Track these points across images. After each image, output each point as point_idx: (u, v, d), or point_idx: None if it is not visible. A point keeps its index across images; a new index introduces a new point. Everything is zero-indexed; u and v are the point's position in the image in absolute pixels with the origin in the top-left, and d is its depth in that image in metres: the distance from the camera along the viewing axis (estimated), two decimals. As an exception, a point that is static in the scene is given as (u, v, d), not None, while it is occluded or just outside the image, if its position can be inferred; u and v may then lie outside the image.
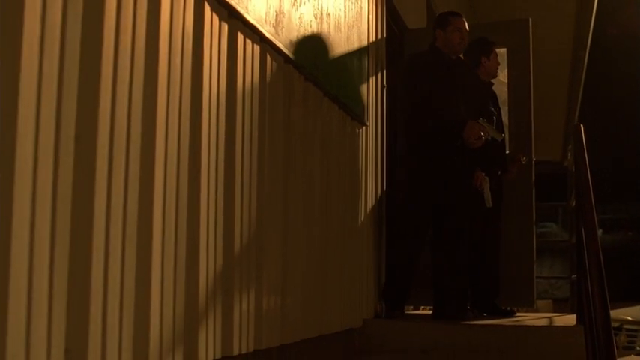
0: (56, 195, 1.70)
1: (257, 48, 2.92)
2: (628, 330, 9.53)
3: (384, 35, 5.01)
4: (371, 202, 4.56)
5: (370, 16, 4.64)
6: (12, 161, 1.56)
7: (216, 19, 2.57)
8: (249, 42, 2.84)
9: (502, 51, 5.54)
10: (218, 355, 2.52)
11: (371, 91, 4.62)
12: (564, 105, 12.96)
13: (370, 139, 4.58)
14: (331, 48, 3.83)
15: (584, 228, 3.67)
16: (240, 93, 2.75)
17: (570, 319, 4.54)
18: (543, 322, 4.62)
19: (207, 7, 2.50)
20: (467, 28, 4.67)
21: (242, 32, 2.78)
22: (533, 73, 5.66)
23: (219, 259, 2.53)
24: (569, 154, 14.35)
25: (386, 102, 4.97)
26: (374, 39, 4.72)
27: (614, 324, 9.58)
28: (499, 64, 5.35)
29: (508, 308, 5.08)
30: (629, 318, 9.82)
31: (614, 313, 10.18)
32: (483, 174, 4.63)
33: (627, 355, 8.63)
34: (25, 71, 1.61)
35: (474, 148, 4.41)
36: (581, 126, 4.35)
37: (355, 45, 4.27)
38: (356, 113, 4.23)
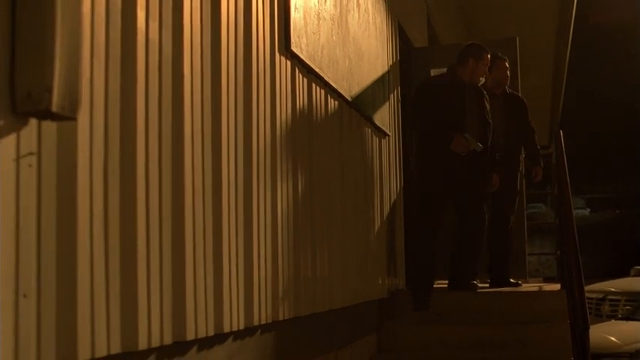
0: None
1: (322, 91, 4.13)
2: (611, 300, 10.85)
3: (398, 57, 6.21)
4: (393, 195, 5.78)
5: (389, 45, 5.85)
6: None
7: (301, 76, 3.77)
8: (318, 88, 4.05)
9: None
10: (310, 312, 3.73)
11: (390, 106, 5.82)
12: (549, 94, 14.23)
13: (391, 145, 5.81)
14: (365, 80, 5.04)
15: (564, 215, 4.92)
16: (315, 123, 3.96)
17: (556, 287, 5.79)
18: (535, 289, 5.88)
19: (297, 70, 3.70)
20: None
21: (315, 82, 3.99)
22: (522, 70, 6.87)
23: (309, 247, 3.75)
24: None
25: (401, 113, 6.18)
26: (392, 62, 5.92)
27: (599, 295, 10.93)
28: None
29: (515, 281, 6.21)
30: (613, 289, 11.15)
31: (600, 286, 11.55)
32: (463, 136, 5.34)
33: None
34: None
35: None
36: (561, 131, 5.59)
37: (380, 72, 5.48)
38: (381, 127, 5.43)
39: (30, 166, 1.80)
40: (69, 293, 1.92)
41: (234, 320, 2.87)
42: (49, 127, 1.87)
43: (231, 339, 2.93)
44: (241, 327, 2.94)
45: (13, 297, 1.72)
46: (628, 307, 9.85)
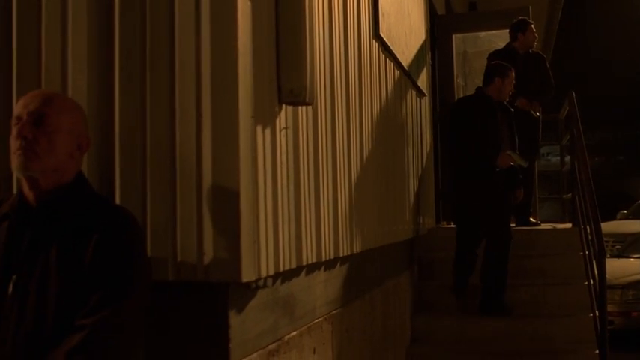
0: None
1: (392, 64, 5.14)
2: (599, 242, 12.08)
3: (429, 25, 7.20)
4: (428, 146, 6.84)
5: (424, 15, 6.84)
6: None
7: (381, 54, 4.78)
8: (389, 61, 5.06)
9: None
10: (380, 244, 4.77)
11: (427, 70, 6.84)
12: (540, 44, 15.21)
13: (427, 105, 6.85)
14: (413, 49, 6.06)
15: (580, 163, 6.01)
16: (390, 88, 4.98)
17: (567, 226, 6.92)
18: (549, 227, 7.02)
19: (380, 50, 4.71)
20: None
21: (388, 58, 5.00)
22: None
23: (383, 191, 4.81)
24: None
25: (431, 76, 7.21)
26: (425, 30, 6.92)
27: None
28: (536, 38, 7.39)
29: (534, 221, 7.33)
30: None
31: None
32: (503, 153, 5.75)
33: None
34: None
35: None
36: (573, 92, 6.64)
37: (421, 41, 6.49)
38: (421, 89, 6.46)
39: (285, 136, 2.81)
40: (303, 220, 2.96)
41: (346, 248, 3.93)
42: (289, 110, 2.88)
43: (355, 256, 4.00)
44: (354, 252, 4.01)
45: (279, 223, 2.75)
46: (618, 247, 11.08)
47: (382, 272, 4.88)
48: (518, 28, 7.17)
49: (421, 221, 6.44)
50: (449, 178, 6.34)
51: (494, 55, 7.04)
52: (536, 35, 7.33)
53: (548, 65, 7.38)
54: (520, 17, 7.24)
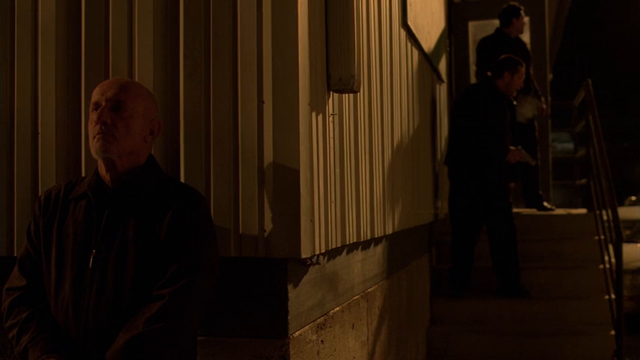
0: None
1: (416, 52, 5.31)
2: (608, 227, 12.25)
3: (446, 12, 7.37)
4: (446, 131, 7.02)
5: (444, 2, 7.00)
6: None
7: (408, 42, 4.95)
8: (414, 49, 5.23)
9: (526, 19, 7.92)
10: (413, 225, 4.97)
11: (444, 57, 7.01)
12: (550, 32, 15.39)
13: (445, 90, 7.02)
14: (434, 37, 6.22)
15: (598, 149, 6.18)
16: (415, 75, 5.15)
17: (582, 211, 7.10)
18: (563, 212, 7.20)
19: (407, 38, 4.87)
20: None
21: (413, 46, 5.17)
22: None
23: (413, 177, 4.99)
24: (549, 76, 17.05)
25: (447, 63, 7.37)
26: (444, 17, 7.08)
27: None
28: (525, 23, 7.63)
29: (549, 206, 7.52)
30: (609, 218, 12.54)
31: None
32: (514, 148, 5.93)
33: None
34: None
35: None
36: (589, 80, 6.81)
37: (440, 28, 6.65)
38: (441, 75, 6.63)
39: (332, 121, 2.99)
40: (346, 201, 3.14)
41: (380, 229, 4.11)
42: (336, 97, 3.05)
43: (386, 239, 4.18)
44: (386, 233, 4.19)
45: (328, 203, 2.93)
46: (627, 233, 11.24)
47: (407, 254, 5.07)
48: (512, 14, 7.37)
49: (440, 205, 6.62)
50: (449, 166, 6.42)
51: (487, 41, 7.25)
52: (525, 21, 7.54)
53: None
54: (510, 3, 7.44)
